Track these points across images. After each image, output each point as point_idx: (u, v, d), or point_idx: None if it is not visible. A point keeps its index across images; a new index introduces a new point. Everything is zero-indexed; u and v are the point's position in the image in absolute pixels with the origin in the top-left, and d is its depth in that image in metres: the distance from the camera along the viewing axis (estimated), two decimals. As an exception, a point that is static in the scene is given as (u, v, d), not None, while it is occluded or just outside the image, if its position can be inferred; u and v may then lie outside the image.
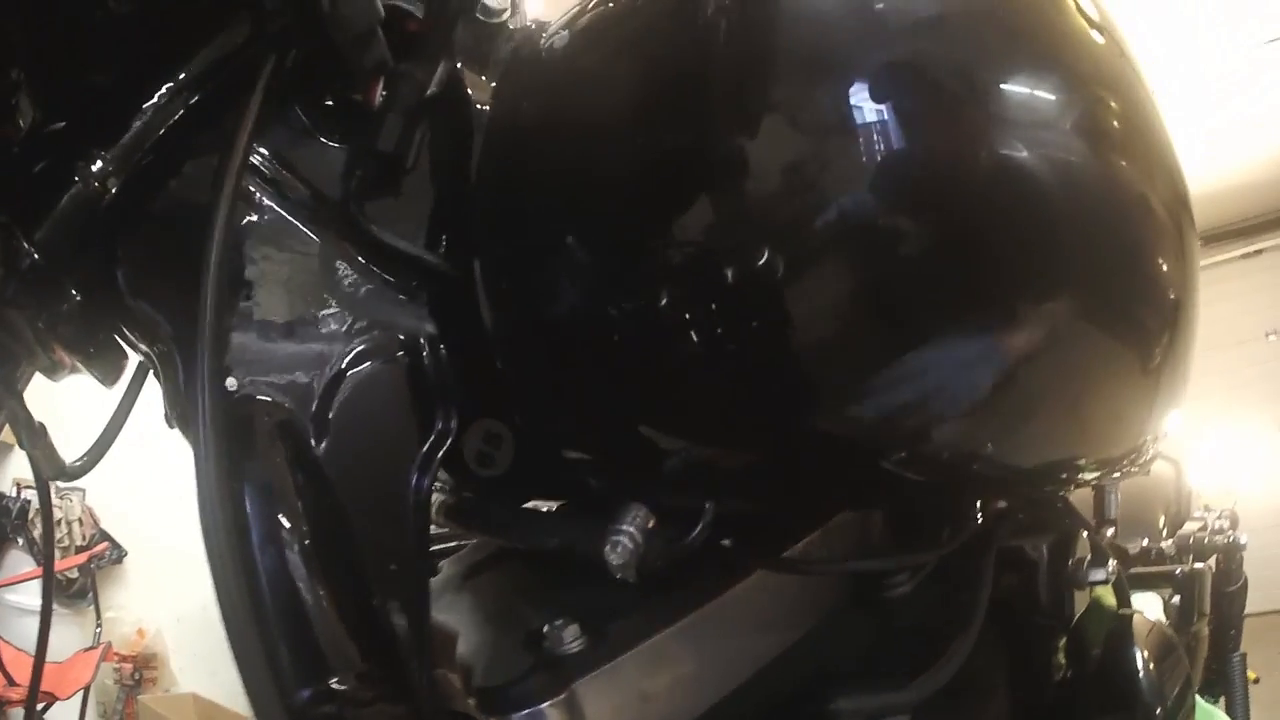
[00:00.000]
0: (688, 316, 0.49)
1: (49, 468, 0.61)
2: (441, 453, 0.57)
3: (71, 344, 0.57)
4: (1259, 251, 7.29)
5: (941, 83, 0.48)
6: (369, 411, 0.55)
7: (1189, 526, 2.03)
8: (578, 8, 0.63)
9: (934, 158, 0.47)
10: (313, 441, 0.53)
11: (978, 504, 0.70)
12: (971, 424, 0.51)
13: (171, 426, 0.59)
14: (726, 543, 0.58)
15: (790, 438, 0.52)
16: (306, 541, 0.49)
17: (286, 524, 0.49)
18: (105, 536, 4.12)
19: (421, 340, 0.58)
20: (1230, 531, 2.07)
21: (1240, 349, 7.13)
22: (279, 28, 0.52)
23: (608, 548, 0.50)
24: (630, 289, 0.51)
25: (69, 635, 3.88)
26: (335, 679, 0.48)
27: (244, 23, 0.54)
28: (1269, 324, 7.27)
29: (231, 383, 0.52)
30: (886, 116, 0.46)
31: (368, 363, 0.56)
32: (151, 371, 0.61)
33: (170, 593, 4.05)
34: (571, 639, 0.53)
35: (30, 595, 3.92)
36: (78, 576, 4.00)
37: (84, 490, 4.16)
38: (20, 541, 4.05)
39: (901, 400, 0.49)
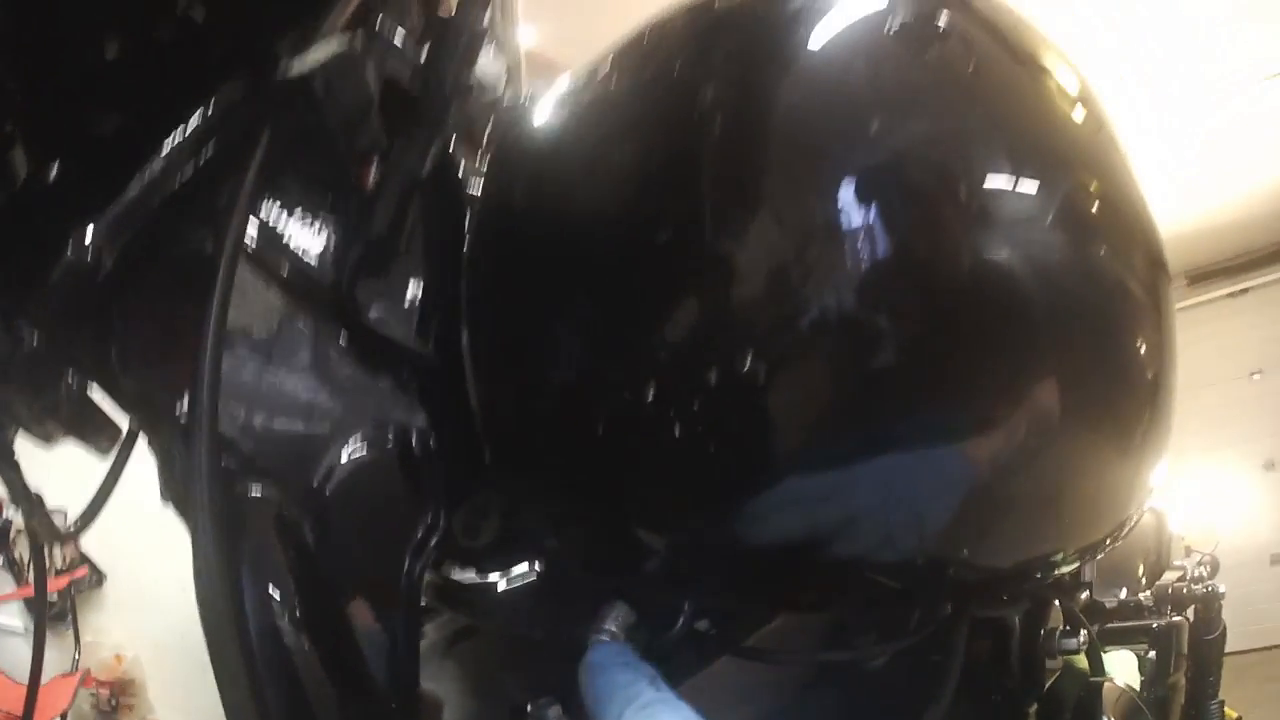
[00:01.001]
0: (671, 413, 0.50)
1: (46, 535, 0.61)
2: (434, 541, 0.57)
3: (70, 427, 0.57)
4: (1244, 290, 7.35)
5: (922, 189, 0.49)
6: (361, 501, 0.55)
7: (1168, 576, 2.04)
8: (571, 85, 0.63)
9: (911, 265, 0.48)
10: (308, 531, 0.53)
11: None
12: (951, 533, 0.52)
13: (165, 502, 0.58)
14: (702, 627, 0.59)
15: (769, 544, 0.53)
16: (303, 630, 0.50)
17: (283, 611, 0.50)
18: (85, 560, 4.08)
19: (412, 432, 0.58)
20: (1209, 581, 2.09)
21: (1224, 388, 7.17)
22: (274, 92, 0.52)
23: (590, 645, 0.51)
24: (614, 382, 0.52)
25: (48, 659, 3.81)
26: None
27: (240, 82, 0.53)
28: (1254, 363, 7.32)
29: (228, 472, 0.52)
30: (868, 224, 0.47)
31: (360, 455, 0.56)
32: (147, 444, 0.60)
33: (149, 619, 4.01)
34: (555, 718, 0.54)
35: (10, 616, 3.88)
36: (57, 600, 3.96)
37: (65, 512, 4.13)
38: (0, 561, 4.01)
39: (878, 510, 0.50)
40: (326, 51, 0.50)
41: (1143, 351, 0.56)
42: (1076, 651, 0.88)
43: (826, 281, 0.48)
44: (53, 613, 3.96)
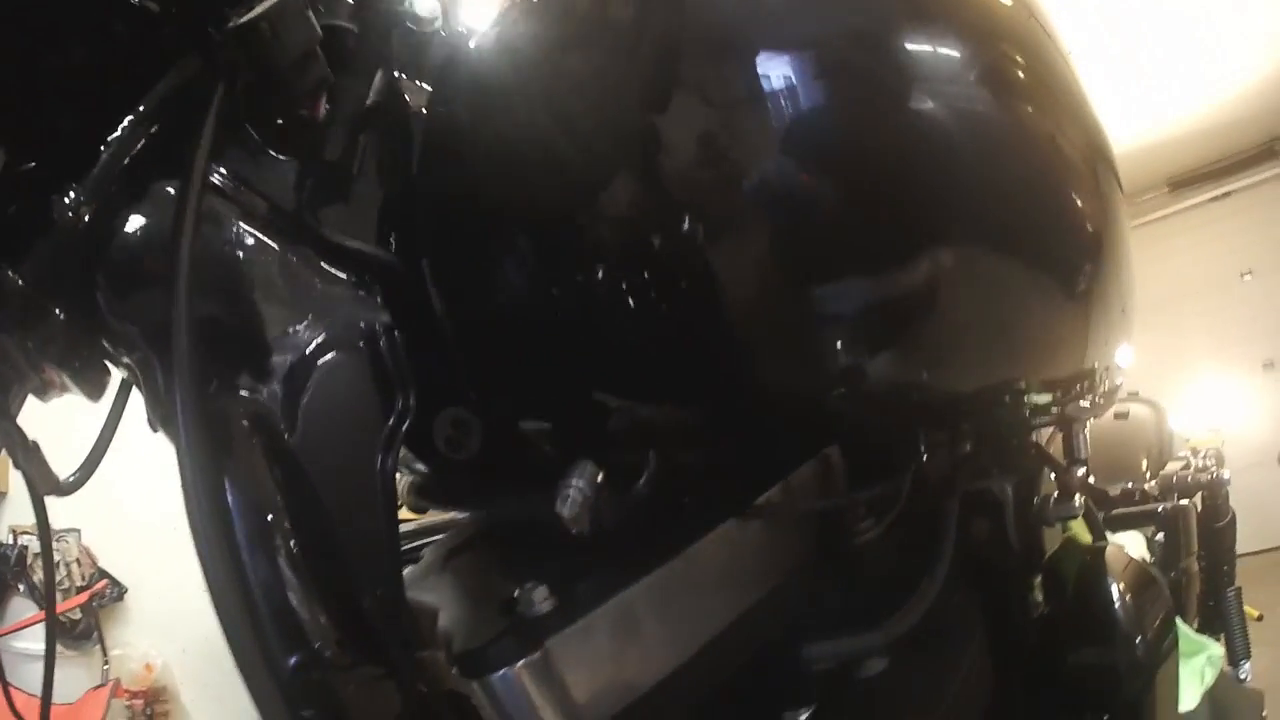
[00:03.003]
0: (623, 286, 0.53)
1: (44, 484, 0.63)
2: (403, 429, 0.60)
3: (59, 360, 0.60)
4: (1228, 194, 7.36)
5: (839, 45, 0.52)
6: (334, 398, 0.58)
7: (1171, 466, 2.05)
8: (502, 11, 0.67)
9: (834, 115, 0.51)
10: (284, 430, 0.56)
11: (930, 440, 0.72)
12: (899, 355, 0.55)
13: (155, 430, 0.61)
14: (687, 499, 0.60)
15: (729, 389, 0.55)
16: (285, 524, 0.52)
17: (265, 510, 0.52)
18: (104, 575, 4.11)
19: (378, 328, 0.61)
20: (1214, 469, 2.10)
21: (1218, 291, 7.19)
22: (227, 58, 0.55)
23: (559, 503, 0.52)
24: (567, 266, 0.55)
25: (77, 676, 3.87)
26: (320, 647, 0.51)
27: (194, 57, 0.57)
28: (1243, 265, 7.34)
29: (208, 382, 0.54)
30: (792, 83, 0.50)
31: (330, 353, 0.59)
32: (134, 383, 0.65)
33: (174, 625, 4.04)
34: (541, 599, 0.55)
35: (36, 641, 3.91)
36: (81, 617, 3.99)
37: (79, 531, 4.15)
38: (21, 588, 4.04)
39: (830, 342, 0.52)
40: (270, 1, 0.54)
41: (1078, 205, 0.59)
42: (1073, 516, 0.88)
43: (752, 140, 0.51)
44: (78, 630, 3.99)
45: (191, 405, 0.48)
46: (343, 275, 0.62)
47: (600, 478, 0.54)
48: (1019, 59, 0.57)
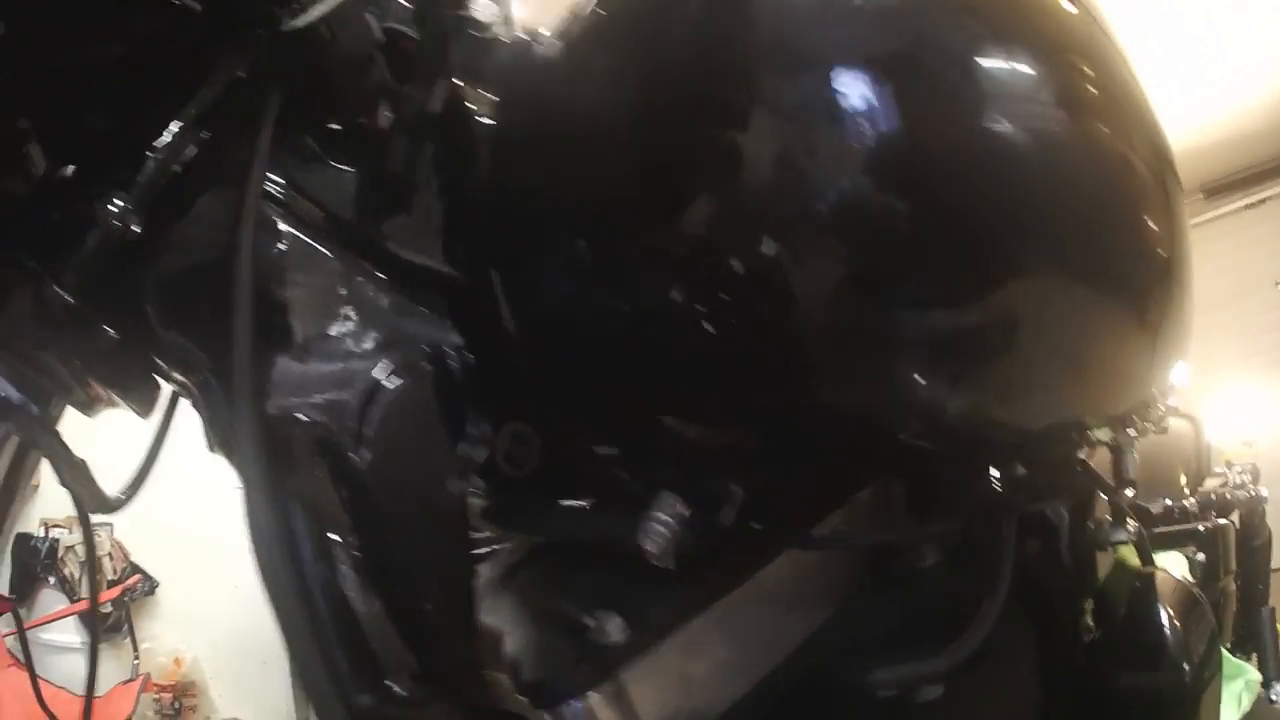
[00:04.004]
0: (699, 308, 0.51)
1: (91, 502, 0.63)
2: (475, 453, 0.59)
3: (109, 380, 0.58)
4: (1262, 201, 7.25)
5: (918, 64, 0.51)
6: (403, 422, 0.57)
7: (1210, 483, 2.03)
8: (569, 17, 0.65)
9: (914, 138, 0.49)
10: (352, 455, 0.54)
11: (992, 473, 0.72)
12: (976, 390, 0.53)
13: (213, 451, 0.60)
14: (756, 526, 0.60)
15: (806, 417, 0.54)
16: (354, 552, 0.52)
17: (333, 536, 0.52)
18: (136, 569, 4.15)
19: (447, 350, 0.60)
20: (1251, 486, 2.08)
21: (1250, 299, 7.09)
22: (282, 62, 0.53)
23: (643, 536, 0.52)
24: (643, 285, 0.54)
25: (107, 669, 3.91)
26: (392, 682, 0.50)
27: (243, 53, 0.55)
28: (1277, 272, 7.24)
29: (270, 405, 0.53)
30: (866, 102, 0.48)
31: (397, 375, 0.57)
32: (190, 401, 0.63)
33: (204, 620, 4.08)
34: (615, 630, 0.55)
35: (66, 633, 3.95)
36: (112, 610, 4.03)
37: (111, 524, 4.19)
38: (52, 580, 4.09)
39: (907, 372, 0.51)
40: (328, 3, 0.51)
41: (1150, 227, 0.58)
42: (1126, 542, 0.88)
43: (834, 163, 0.49)
44: (108, 624, 4.03)
45: (255, 430, 0.47)
46: (408, 292, 0.60)
47: (684, 510, 0.53)
48: (1091, 73, 0.56)
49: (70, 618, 3.94)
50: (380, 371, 0.57)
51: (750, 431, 0.58)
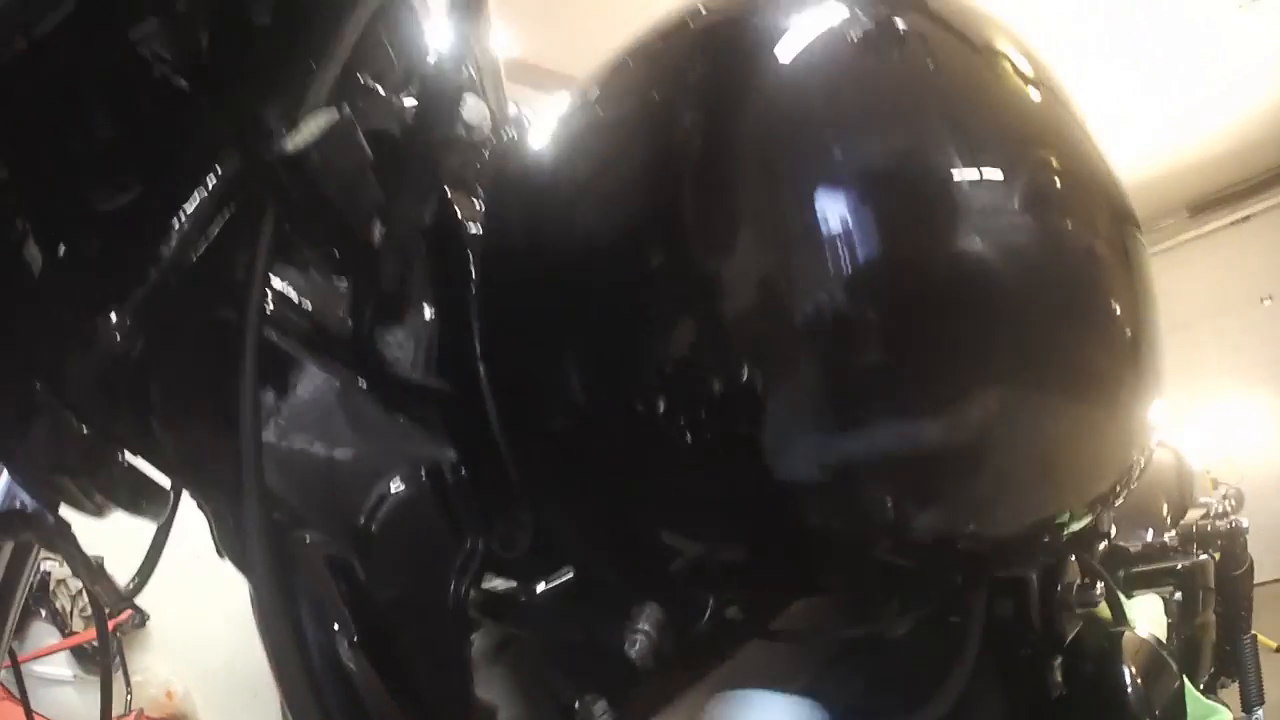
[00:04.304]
0: (680, 423, 0.54)
1: (108, 599, 0.64)
2: (475, 564, 0.61)
3: (126, 504, 0.60)
4: (1247, 218, 7.32)
5: (892, 190, 0.53)
6: (404, 535, 0.59)
7: (1192, 515, 2.05)
8: (557, 118, 0.66)
9: (886, 261, 0.51)
10: (358, 568, 0.57)
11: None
12: (951, 509, 0.55)
13: (221, 557, 0.62)
14: (731, 614, 0.63)
15: (784, 536, 0.56)
16: (360, 650, 0.54)
17: (343, 640, 0.54)
18: (128, 602, 4.13)
19: (443, 466, 0.61)
20: (1233, 516, 2.10)
21: (1236, 315, 7.15)
22: (275, 181, 0.54)
23: (627, 644, 0.56)
24: (623, 402, 0.56)
25: (98, 704, 3.90)
26: None
27: (234, 155, 0.55)
28: (1263, 289, 7.29)
29: (280, 526, 0.55)
30: (842, 227, 0.50)
31: (397, 493, 0.59)
32: (198, 505, 0.64)
33: (195, 653, 4.08)
34: (600, 713, 0.59)
35: (58, 666, 3.94)
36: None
37: (103, 558, 4.18)
38: (44, 613, 4.07)
39: (881, 492, 0.53)
40: (317, 125, 0.52)
41: (1118, 313, 0.59)
42: (1095, 605, 0.91)
43: (810, 287, 0.51)
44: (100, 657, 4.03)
45: (268, 552, 0.49)
46: (404, 408, 0.61)
47: (663, 620, 0.56)
48: (1056, 164, 0.57)
49: (63, 652, 3.94)
50: (380, 489, 0.59)
51: (728, 545, 0.60)
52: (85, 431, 0.55)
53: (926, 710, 0.72)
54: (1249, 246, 7.30)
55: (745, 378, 0.51)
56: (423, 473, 0.61)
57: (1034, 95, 0.60)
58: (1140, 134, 5.66)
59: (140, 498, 0.61)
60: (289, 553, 0.55)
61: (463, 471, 0.62)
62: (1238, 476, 2.72)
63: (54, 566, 4.03)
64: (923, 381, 0.52)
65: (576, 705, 0.60)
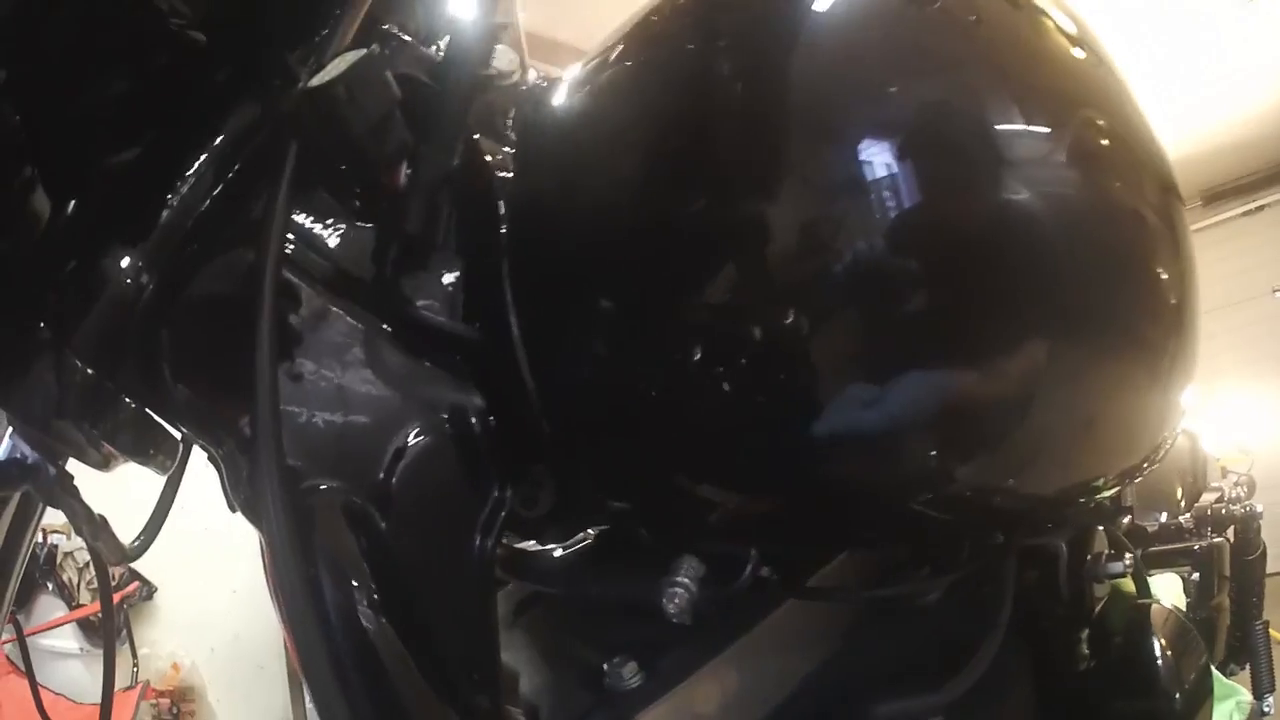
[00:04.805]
0: (720, 371, 0.52)
1: (111, 555, 0.63)
2: (501, 515, 0.59)
3: (131, 450, 0.58)
4: (1261, 208, 7.29)
5: (938, 138, 0.51)
6: (426, 486, 0.57)
7: (1206, 498, 2.05)
8: (588, 66, 0.65)
9: (933, 210, 0.50)
10: (377, 518, 0.55)
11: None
12: (992, 463, 0.54)
13: (233, 510, 0.60)
14: (765, 573, 0.61)
15: (823, 486, 0.55)
16: (380, 610, 0.52)
17: (360, 595, 0.52)
18: (135, 575, 4.15)
19: (469, 412, 0.59)
20: (1247, 501, 2.09)
21: (1248, 307, 7.13)
22: (299, 119, 0.52)
23: (665, 598, 0.54)
24: (662, 349, 0.54)
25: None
26: None
27: (261, 105, 0.55)
28: (1275, 280, 7.26)
29: (295, 473, 0.53)
30: (888, 175, 0.49)
31: (420, 440, 0.57)
32: (208, 458, 0.62)
33: (202, 625, 4.09)
34: (630, 675, 0.57)
35: (64, 639, 3.96)
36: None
37: (105, 516, 4.19)
38: (50, 587, 4.09)
39: (924, 443, 0.52)
40: (345, 61, 0.51)
41: (1164, 278, 0.58)
42: (1123, 575, 0.90)
43: (855, 234, 0.49)
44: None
45: (282, 500, 0.47)
46: (428, 354, 0.59)
47: (703, 574, 0.54)
48: (1103, 124, 0.56)
49: (69, 625, 3.95)
50: (402, 436, 0.57)
51: (766, 496, 0.58)
52: (90, 374, 0.53)
53: (955, 681, 0.71)
54: (1262, 237, 7.27)
55: (787, 324, 0.50)
56: (446, 420, 0.59)
57: (1078, 54, 0.58)
58: (1159, 117, 5.62)
59: (146, 443, 0.59)
60: (305, 502, 0.53)
61: (490, 419, 0.60)
62: (1248, 466, 2.70)
63: (61, 539, 4.05)
64: (968, 332, 0.51)
65: (605, 668, 0.58)
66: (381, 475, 0.56)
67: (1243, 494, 2.20)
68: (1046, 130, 0.53)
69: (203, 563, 3.72)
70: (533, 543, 0.69)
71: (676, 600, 0.54)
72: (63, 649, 3.94)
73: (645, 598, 0.54)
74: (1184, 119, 5.84)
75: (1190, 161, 6.44)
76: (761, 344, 0.51)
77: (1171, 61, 5.13)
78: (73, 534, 4.05)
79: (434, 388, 0.59)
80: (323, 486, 0.54)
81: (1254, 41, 5.13)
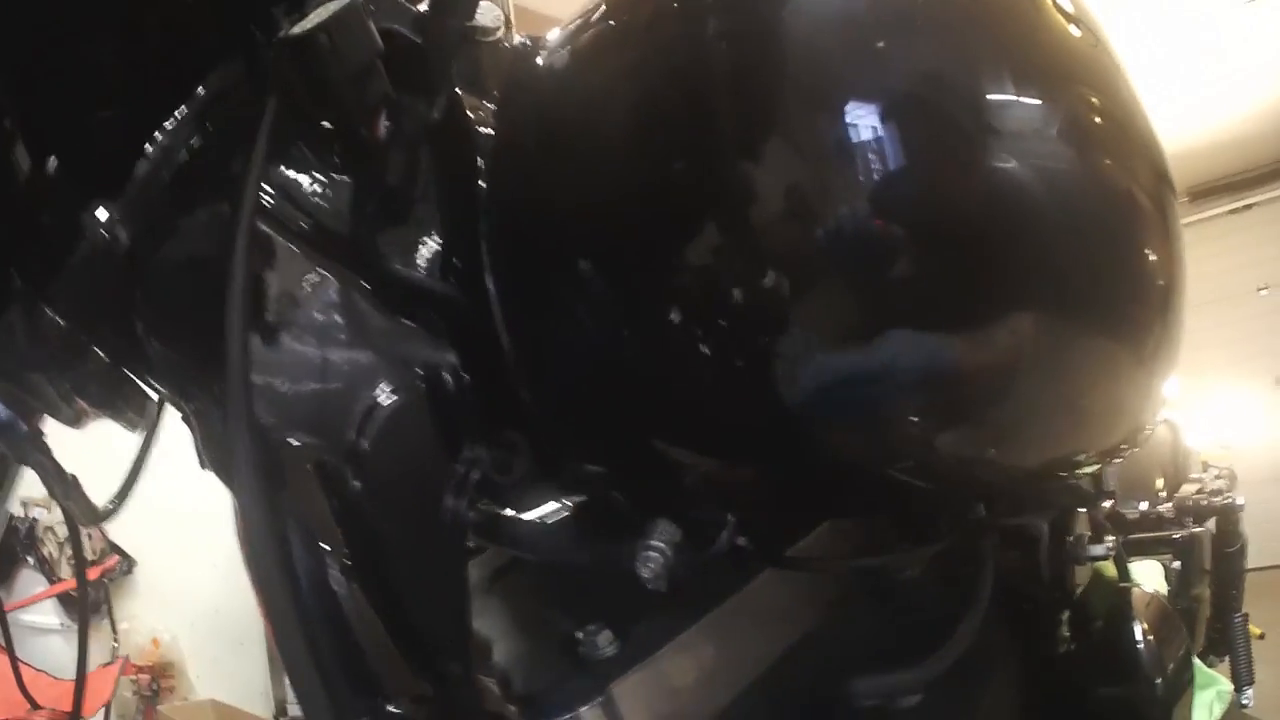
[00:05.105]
0: (699, 333, 0.51)
1: (83, 515, 0.62)
2: (475, 476, 0.58)
3: (99, 402, 0.57)
4: (1248, 206, 7.33)
5: (928, 105, 0.51)
6: (398, 444, 0.56)
7: (1186, 489, 2.06)
8: (574, 26, 0.64)
9: (921, 177, 0.50)
10: (350, 477, 0.54)
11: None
12: (973, 432, 0.54)
13: (204, 467, 0.59)
14: (742, 542, 0.61)
15: (802, 451, 0.54)
16: (352, 575, 0.51)
17: (332, 560, 0.51)
18: (115, 549, 4.14)
19: (443, 369, 0.59)
20: (1228, 493, 2.10)
21: (1232, 305, 7.17)
22: (279, 69, 0.51)
23: (639, 563, 0.53)
24: (641, 310, 0.54)
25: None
26: (390, 703, 0.50)
27: (237, 59, 0.54)
28: (1261, 279, 7.31)
29: (266, 428, 0.52)
30: (876, 140, 0.48)
31: (394, 399, 0.56)
32: (181, 418, 0.61)
33: (182, 599, 4.08)
34: (605, 643, 0.56)
35: (45, 614, 3.94)
36: (91, 593, 4.02)
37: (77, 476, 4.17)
38: (31, 561, 4.07)
39: (904, 411, 0.52)
40: (327, 10, 0.50)
41: (1151, 260, 0.57)
42: (1104, 558, 0.90)
43: (841, 197, 0.49)
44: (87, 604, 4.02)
45: (253, 455, 0.46)
46: (404, 309, 0.59)
47: (678, 539, 0.53)
48: (1096, 102, 0.56)
49: (50, 600, 3.93)
50: (375, 393, 0.56)
51: (745, 461, 0.58)
52: (62, 325, 0.52)
53: (935, 658, 0.70)
54: (1249, 236, 7.31)
55: (769, 287, 0.49)
56: (420, 378, 0.58)
57: (1075, 32, 0.58)
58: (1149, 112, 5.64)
59: (115, 396, 0.58)
60: (275, 455, 0.52)
61: (465, 378, 0.59)
62: (1231, 463, 2.72)
63: (41, 513, 4.03)
64: (952, 298, 0.51)
65: (580, 635, 0.57)
66: (354, 433, 0.55)
67: (1223, 486, 2.21)
68: (1039, 102, 0.52)
69: (183, 537, 3.70)
70: (509, 510, 0.68)
71: (651, 564, 0.53)
72: (43, 624, 3.92)
73: (620, 562, 0.54)
74: (1175, 115, 5.85)
75: (1179, 158, 6.43)
76: (742, 306, 0.50)
77: (1168, 56, 5.14)
78: (53, 507, 4.04)
79: (410, 345, 0.58)
80: (295, 443, 0.53)
81: (1251, 40, 5.15)
